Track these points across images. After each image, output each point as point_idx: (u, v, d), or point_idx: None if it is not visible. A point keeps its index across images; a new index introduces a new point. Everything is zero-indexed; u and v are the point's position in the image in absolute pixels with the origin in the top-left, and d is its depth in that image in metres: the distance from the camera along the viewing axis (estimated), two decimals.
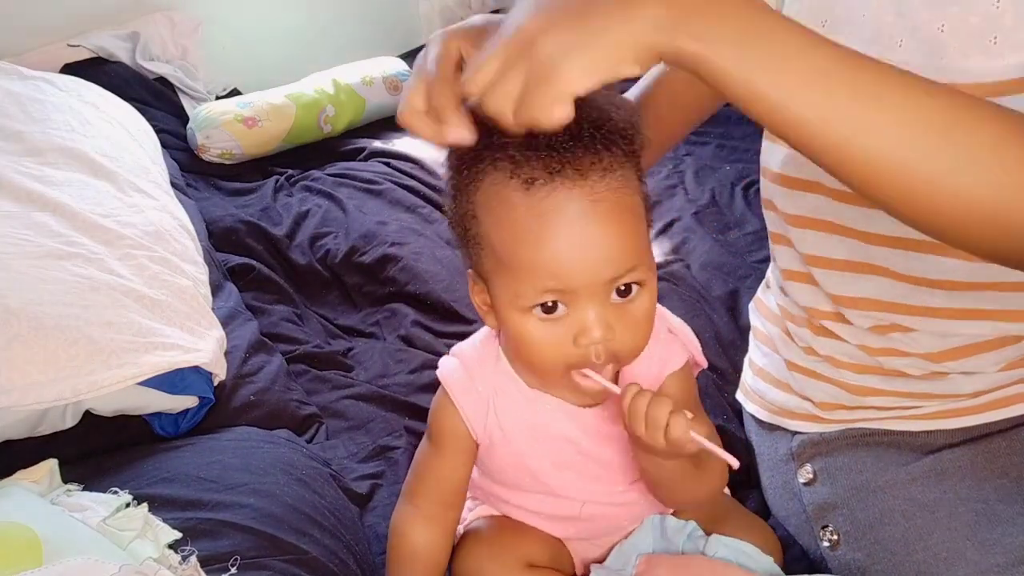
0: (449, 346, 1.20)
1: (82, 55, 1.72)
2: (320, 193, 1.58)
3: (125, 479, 0.81)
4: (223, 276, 1.25)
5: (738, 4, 0.49)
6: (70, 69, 1.65)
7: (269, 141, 1.70)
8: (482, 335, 0.78)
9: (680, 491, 0.75)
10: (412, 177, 1.66)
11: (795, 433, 0.91)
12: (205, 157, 1.65)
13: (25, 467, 0.82)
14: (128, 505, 0.76)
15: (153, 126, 1.57)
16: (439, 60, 0.58)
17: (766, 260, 1.02)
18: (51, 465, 0.83)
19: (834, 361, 0.85)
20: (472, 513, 0.86)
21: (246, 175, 1.66)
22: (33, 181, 1.12)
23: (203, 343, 1.03)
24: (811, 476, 0.87)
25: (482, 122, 0.57)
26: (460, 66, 0.59)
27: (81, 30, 1.75)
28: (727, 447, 0.64)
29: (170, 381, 0.97)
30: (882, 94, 0.49)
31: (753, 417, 1.00)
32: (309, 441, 1.05)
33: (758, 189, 0.97)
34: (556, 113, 0.51)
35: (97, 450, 0.94)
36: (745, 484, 0.98)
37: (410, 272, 1.35)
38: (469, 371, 0.75)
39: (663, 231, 1.49)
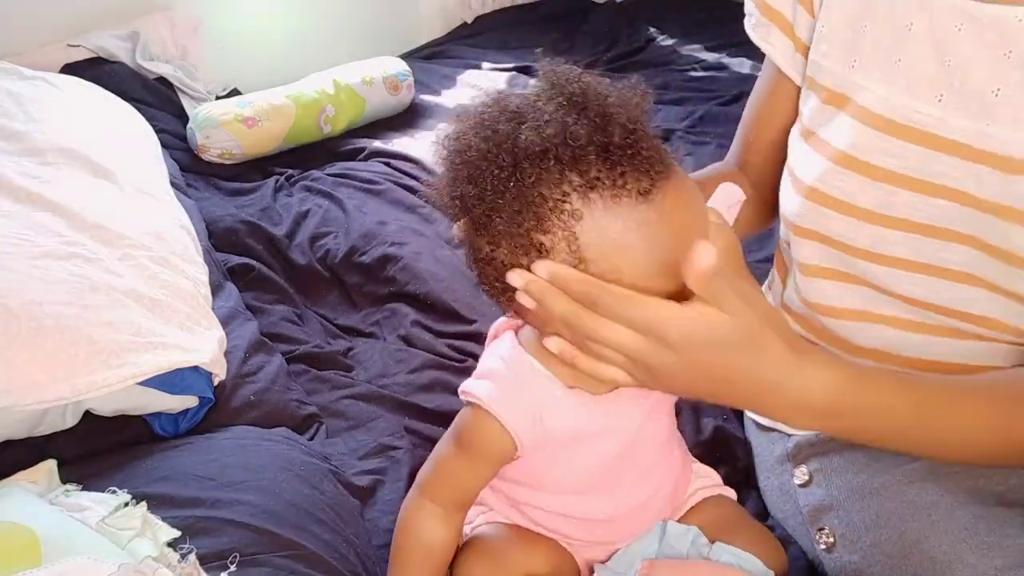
0: (450, 346, 1.22)
1: (82, 55, 1.72)
2: (320, 193, 1.58)
3: (124, 479, 0.82)
4: (223, 276, 1.25)
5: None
6: (70, 69, 1.65)
7: (269, 141, 1.70)
8: (503, 349, 0.75)
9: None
10: (412, 177, 1.66)
11: (791, 435, 0.91)
12: (205, 157, 1.65)
13: (24, 467, 0.82)
14: (127, 504, 0.76)
15: (153, 126, 1.57)
16: None
17: (768, 259, 1.02)
18: (50, 465, 0.84)
19: None
20: (480, 517, 0.85)
21: (246, 175, 1.66)
22: (32, 181, 1.12)
23: (203, 343, 1.02)
24: (807, 478, 0.87)
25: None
26: None
27: (81, 30, 1.74)
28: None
29: (170, 381, 0.97)
30: (947, 440, 0.66)
31: (752, 418, 1.00)
32: (309, 440, 1.04)
33: None
34: None
35: (97, 450, 0.94)
36: (744, 485, 0.98)
37: (410, 272, 1.35)
38: (510, 388, 0.72)
39: None
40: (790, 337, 0.60)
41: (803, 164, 0.80)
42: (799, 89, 0.84)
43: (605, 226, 0.59)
